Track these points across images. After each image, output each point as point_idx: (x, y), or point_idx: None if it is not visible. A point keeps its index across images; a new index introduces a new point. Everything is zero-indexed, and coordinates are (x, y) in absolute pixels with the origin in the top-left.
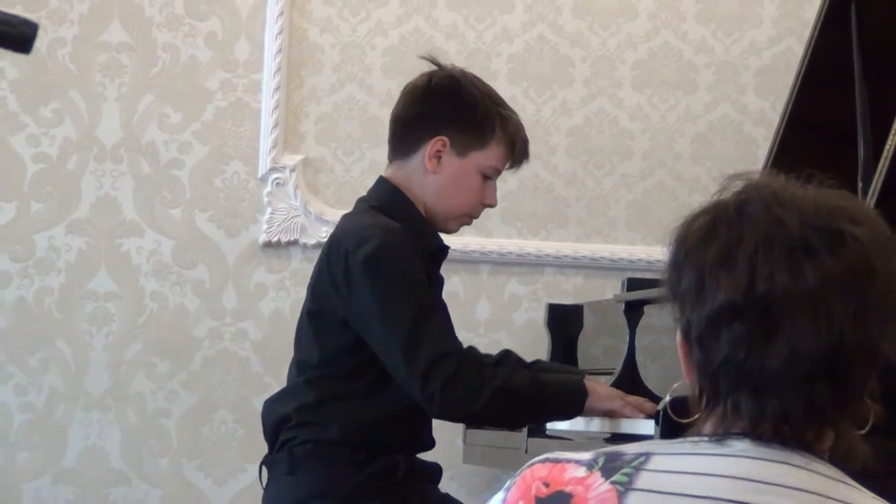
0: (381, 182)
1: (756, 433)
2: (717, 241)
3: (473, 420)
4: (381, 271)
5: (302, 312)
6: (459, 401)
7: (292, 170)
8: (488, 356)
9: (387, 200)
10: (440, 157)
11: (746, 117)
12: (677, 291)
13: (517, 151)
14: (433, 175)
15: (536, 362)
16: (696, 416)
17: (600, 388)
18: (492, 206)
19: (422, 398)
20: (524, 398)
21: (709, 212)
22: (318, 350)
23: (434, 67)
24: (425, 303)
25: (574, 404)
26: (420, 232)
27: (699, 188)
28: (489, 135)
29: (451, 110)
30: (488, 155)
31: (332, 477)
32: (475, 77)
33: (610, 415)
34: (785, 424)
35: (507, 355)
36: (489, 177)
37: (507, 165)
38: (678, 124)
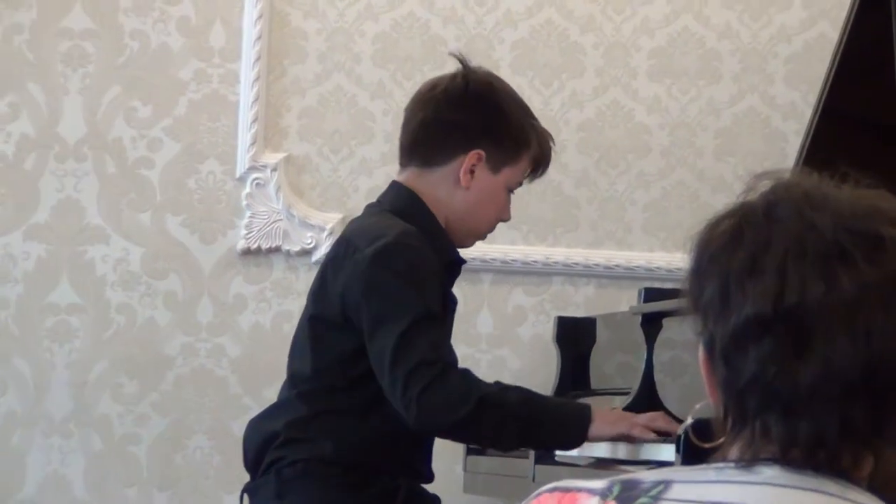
0: (397, 187)
1: (787, 458)
2: (743, 246)
3: (454, 432)
4: (389, 264)
5: (300, 322)
6: (438, 408)
7: (273, 169)
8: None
9: (404, 207)
10: (473, 172)
11: (775, 110)
12: (699, 302)
13: (543, 165)
14: (464, 190)
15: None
16: (721, 440)
17: (608, 413)
18: (507, 220)
19: (401, 405)
20: (515, 416)
21: (734, 214)
22: (315, 359)
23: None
24: (429, 308)
25: (574, 429)
26: (438, 243)
27: (723, 188)
28: (523, 150)
29: (490, 123)
30: (518, 170)
31: (324, 501)
32: (505, 83)
33: (620, 440)
34: (818, 448)
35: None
36: (512, 191)
37: (527, 179)
38: (700, 118)
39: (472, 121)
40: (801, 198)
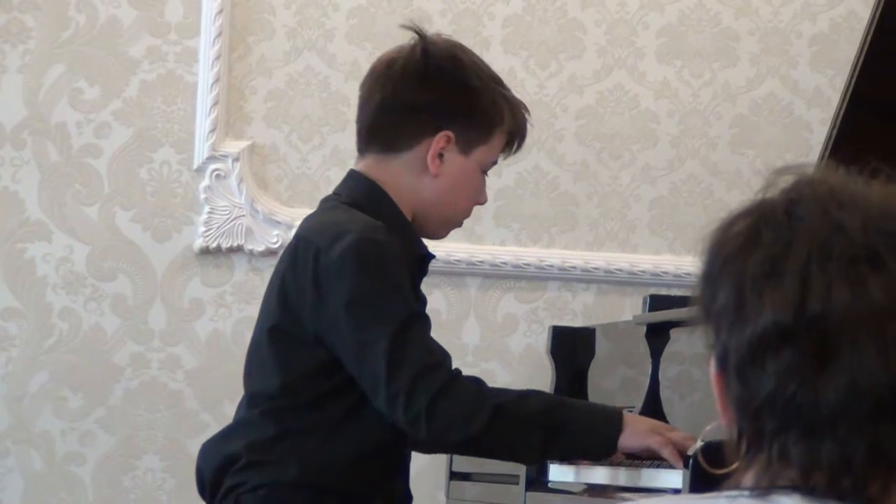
0: (356, 177)
1: (808, 485)
2: (761, 248)
3: (471, 447)
4: (359, 270)
5: (255, 333)
6: (451, 421)
7: (236, 159)
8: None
9: (364, 198)
10: (442, 157)
11: (798, 96)
12: (711, 311)
13: (518, 140)
14: (432, 177)
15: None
16: (735, 466)
17: (641, 421)
18: (483, 204)
19: (405, 420)
20: (537, 424)
21: (751, 213)
22: (281, 374)
23: (415, 37)
24: (412, 309)
25: (604, 438)
26: (404, 237)
27: (739, 183)
28: (497, 126)
29: (457, 99)
30: (492, 149)
31: None
32: (470, 50)
33: (646, 455)
34: (844, 474)
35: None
36: (486, 172)
37: (502, 156)
38: (714, 104)
39: (437, 100)
40: (826, 195)
